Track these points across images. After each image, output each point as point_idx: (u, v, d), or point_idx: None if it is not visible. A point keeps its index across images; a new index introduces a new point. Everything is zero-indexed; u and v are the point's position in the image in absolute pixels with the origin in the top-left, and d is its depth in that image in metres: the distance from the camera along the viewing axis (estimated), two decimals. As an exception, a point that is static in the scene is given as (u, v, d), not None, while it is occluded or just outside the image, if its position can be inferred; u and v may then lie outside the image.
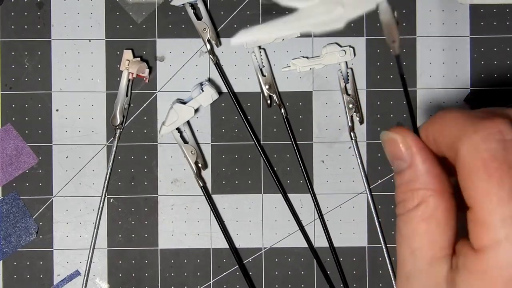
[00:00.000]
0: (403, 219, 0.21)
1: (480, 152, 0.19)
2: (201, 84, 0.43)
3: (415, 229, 0.21)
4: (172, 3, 0.43)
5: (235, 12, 0.44)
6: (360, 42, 0.44)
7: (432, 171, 0.21)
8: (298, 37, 0.44)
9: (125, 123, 0.44)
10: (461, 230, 0.21)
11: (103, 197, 0.44)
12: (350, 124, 0.44)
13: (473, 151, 0.19)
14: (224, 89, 0.44)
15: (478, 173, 0.19)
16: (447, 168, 0.21)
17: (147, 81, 0.44)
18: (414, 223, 0.21)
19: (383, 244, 0.44)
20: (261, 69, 0.44)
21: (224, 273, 0.44)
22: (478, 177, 0.19)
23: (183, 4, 0.43)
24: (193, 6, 0.43)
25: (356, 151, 0.44)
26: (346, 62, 0.44)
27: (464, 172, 0.19)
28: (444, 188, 0.21)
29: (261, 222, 0.44)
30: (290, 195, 0.44)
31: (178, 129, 0.43)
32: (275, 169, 0.44)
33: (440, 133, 0.21)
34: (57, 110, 0.44)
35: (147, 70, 0.43)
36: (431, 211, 0.20)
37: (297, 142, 0.44)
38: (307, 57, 0.44)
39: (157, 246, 0.44)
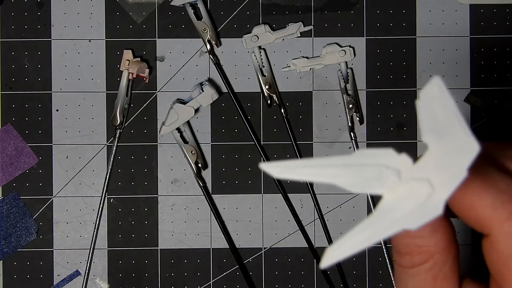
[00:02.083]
0: (408, 272, 0.21)
1: None
2: (201, 84, 0.43)
3: (422, 285, 0.20)
4: (172, 3, 0.43)
5: (235, 12, 0.44)
6: (360, 42, 0.44)
7: (441, 229, 0.20)
8: (298, 37, 0.44)
9: (125, 123, 0.44)
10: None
11: (103, 197, 0.44)
12: (350, 124, 0.44)
13: (507, 239, 0.19)
14: (224, 89, 0.44)
15: None
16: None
17: (147, 81, 0.44)
18: (422, 278, 0.20)
19: (383, 244, 0.44)
20: (261, 69, 0.44)
21: (224, 273, 0.44)
22: None
23: (183, 4, 0.43)
24: (193, 6, 0.43)
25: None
26: (346, 62, 0.44)
27: (498, 257, 0.19)
28: (452, 242, 0.20)
29: (261, 222, 0.44)
30: (290, 195, 0.44)
31: (178, 129, 0.43)
32: (275, 169, 0.44)
33: (460, 200, 0.20)
34: (57, 110, 0.44)
35: (147, 70, 0.43)
36: (439, 267, 0.20)
37: (297, 142, 0.44)
38: (307, 57, 0.44)
39: (157, 246, 0.44)
